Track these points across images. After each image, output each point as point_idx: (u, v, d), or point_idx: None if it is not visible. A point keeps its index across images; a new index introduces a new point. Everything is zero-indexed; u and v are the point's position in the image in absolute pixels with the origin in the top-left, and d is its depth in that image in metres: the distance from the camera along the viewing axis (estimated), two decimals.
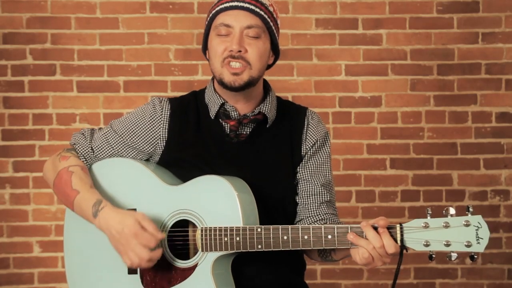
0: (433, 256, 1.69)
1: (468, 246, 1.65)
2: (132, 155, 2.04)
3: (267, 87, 2.07)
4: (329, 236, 1.76)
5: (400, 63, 3.56)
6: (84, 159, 2.03)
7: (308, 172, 2.03)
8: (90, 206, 1.90)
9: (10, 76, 3.53)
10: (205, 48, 2.03)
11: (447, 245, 1.66)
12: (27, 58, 3.53)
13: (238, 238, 1.81)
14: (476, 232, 1.65)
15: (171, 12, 3.56)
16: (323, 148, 2.06)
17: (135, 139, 2.02)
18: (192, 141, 1.99)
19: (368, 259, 1.73)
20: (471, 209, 1.67)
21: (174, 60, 3.56)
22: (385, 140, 3.56)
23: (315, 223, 1.98)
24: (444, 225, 1.67)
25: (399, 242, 1.70)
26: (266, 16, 1.95)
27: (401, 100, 3.56)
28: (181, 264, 1.89)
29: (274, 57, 2.05)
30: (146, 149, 2.03)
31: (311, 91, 3.56)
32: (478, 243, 1.65)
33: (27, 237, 3.52)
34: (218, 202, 1.85)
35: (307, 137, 2.04)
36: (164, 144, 2.01)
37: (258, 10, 1.93)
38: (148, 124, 2.02)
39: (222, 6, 1.94)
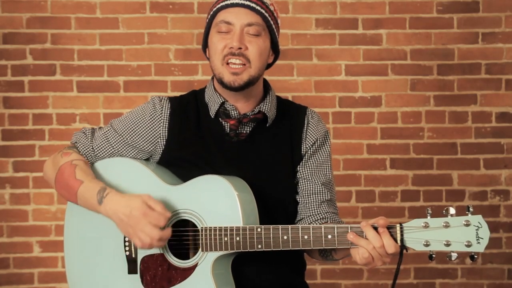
0: (433, 256, 1.69)
1: (468, 246, 1.65)
2: (132, 154, 2.04)
3: (267, 87, 2.07)
4: (329, 236, 1.76)
5: (400, 63, 3.56)
6: (85, 158, 2.04)
7: (308, 171, 2.03)
8: (95, 194, 1.90)
9: (10, 76, 3.53)
10: (205, 46, 2.03)
11: (447, 245, 1.66)
12: (27, 58, 3.53)
13: (238, 238, 1.81)
14: (476, 232, 1.65)
15: (171, 12, 3.56)
16: (323, 147, 2.06)
17: (135, 138, 2.02)
18: (192, 140, 1.99)
19: (368, 259, 1.73)
20: (471, 209, 1.67)
21: (174, 60, 3.56)
22: (385, 140, 3.56)
23: (316, 222, 1.98)
24: (444, 225, 1.67)
25: (399, 242, 1.70)
26: (267, 15, 1.95)
27: (401, 100, 3.57)
28: (181, 264, 1.89)
29: (274, 56, 2.05)
30: (146, 148, 2.03)
31: (311, 91, 3.56)
32: (478, 243, 1.65)
33: (27, 237, 3.52)
34: (218, 202, 1.85)
35: (307, 136, 2.04)
36: (164, 143, 2.01)
37: (259, 8, 1.93)
38: (148, 123, 2.02)
39: (223, 3, 1.94)
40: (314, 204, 2.01)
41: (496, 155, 3.55)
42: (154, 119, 2.02)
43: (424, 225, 1.68)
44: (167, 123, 2.01)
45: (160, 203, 1.83)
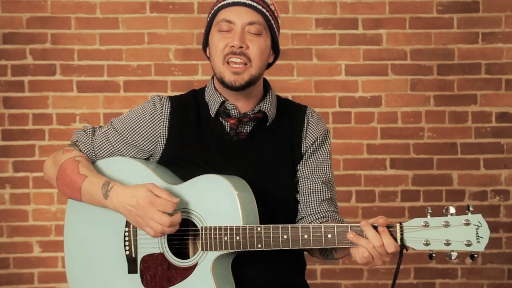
0: (433, 255, 1.69)
1: (468, 245, 1.65)
2: (133, 153, 2.03)
3: (267, 86, 2.07)
4: (329, 235, 1.76)
5: (400, 63, 3.56)
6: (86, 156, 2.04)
7: (309, 170, 2.03)
8: (99, 188, 1.90)
9: (10, 76, 3.53)
10: (205, 45, 2.03)
11: (447, 244, 1.66)
12: (27, 58, 3.53)
13: (238, 238, 1.81)
14: (476, 231, 1.65)
15: (171, 12, 3.56)
16: (323, 146, 2.06)
17: (135, 137, 2.02)
18: (192, 139, 1.99)
19: (368, 258, 1.73)
20: (471, 208, 1.67)
21: (174, 60, 3.56)
22: (385, 140, 3.56)
23: (316, 221, 1.98)
24: (444, 224, 1.66)
25: (399, 241, 1.70)
26: (268, 14, 1.95)
27: (401, 100, 3.57)
28: (181, 263, 1.89)
29: (274, 56, 2.05)
30: (146, 147, 2.02)
31: (311, 91, 3.56)
32: (478, 242, 1.65)
33: (27, 237, 3.52)
34: (218, 201, 1.85)
35: (307, 135, 2.04)
36: (164, 142, 2.01)
37: (260, 7, 1.94)
38: (149, 122, 2.02)
39: (224, 2, 1.94)
40: (315, 203, 2.01)
41: (496, 155, 3.55)
42: (154, 118, 2.02)
43: (424, 224, 1.68)
44: (167, 122, 2.01)
45: (165, 190, 1.83)
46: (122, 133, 2.03)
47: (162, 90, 3.53)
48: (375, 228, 1.71)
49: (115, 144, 2.03)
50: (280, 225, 1.79)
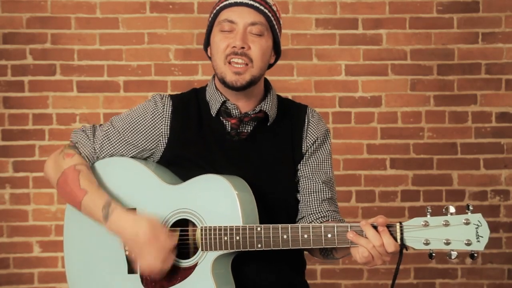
0: (433, 254, 1.69)
1: (468, 244, 1.65)
2: (134, 153, 2.03)
3: (267, 86, 2.07)
4: (329, 235, 1.75)
5: (400, 63, 3.56)
6: (86, 159, 2.02)
7: (309, 170, 2.03)
8: (100, 208, 1.90)
9: (10, 76, 3.53)
10: (207, 45, 2.03)
11: (447, 243, 1.66)
12: (27, 58, 3.53)
13: (238, 237, 1.81)
14: (476, 231, 1.65)
15: (171, 12, 3.56)
16: (324, 146, 2.06)
17: (136, 137, 2.01)
18: (193, 139, 1.98)
19: (368, 258, 1.73)
20: (471, 208, 1.67)
21: (174, 60, 3.56)
22: (385, 140, 3.56)
23: (317, 220, 1.98)
24: (444, 223, 1.66)
25: (398, 240, 1.70)
26: (270, 15, 1.95)
27: (401, 100, 3.57)
28: (181, 263, 1.89)
29: (275, 56, 2.05)
30: (147, 146, 2.02)
31: (311, 91, 3.56)
32: (478, 241, 1.65)
33: (27, 237, 3.52)
34: (217, 201, 1.85)
35: (308, 135, 2.04)
36: (166, 141, 2.01)
37: (262, 8, 1.93)
38: (150, 122, 2.01)
39: (227, 2, 1.94)
40: (315, 202, 2.01)
41: (496, 155, 3.55)
42: (156, 117, 2.01)
43: (423, 223, 1.68)
44: (169, 122, 2.01)
45: (165, 228, 1.84)
46: (123, 133, 2.02)
47: (162, 90, 3.53)
48: (375, 227, 1.71)
49: (115, 144, 2.02)
50: (280, 225, 1.79)
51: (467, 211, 1.67)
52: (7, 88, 3.53)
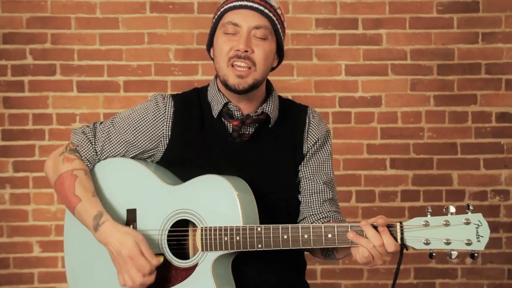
0: (434, 254, 1.69)
1: (469, 244, 1.65)
2: (135, 153, 2.02)
3: (269, 87, 2.06)
4: (329, 235, 1.75)
5: (400, 63, 3.56)
6: (88, 162, 2.02)
7: (310, 171, 2.03)
8: (91, 218, 1.90)
9: (10, 76, 3.53)
10: (210, 45, 2.02)
11: (447, 243, 1.66)
12: (27, 58, 3.53)
13: (238, 238, 1.81)
14: (477, 230, 1.65)
15: (171, 12, 3.56)
16: (325, 147, 2.06)
17: (137, 137, 2.01)
18: (195, 140, 1.98)
19: (368, 258, 1.73)
20: (471, 207, 1.67)
21: (174, 60, 3.56)
22: (385, 140, 3.56)
23: (318, 221, 1.98)
24: (444, 223, 1.66)
25: (399, 240, 1.70)
26: (274, 18, 1.94)
27: (401, 100, 3.57)
28: (181, 263, 1.89)
29: (278, 60, 2.04)
30: (148, 147, 2.01)
31: (311, 91, 3.56)
32: (479, 241, 1.65)
33: (27, 237, 3.52)
34: (218, 202, 1.85)
35: (309, 136, 2.04)
36: (167, 142, 2.00)
37: (267, 11, 1.92)
38: (151, 122, 2.00)
39: (231, 4, 1.93)
40: (316, 203, 2.01)
41: (496, 155, 3.55)
42: (157, 117, 2.00)
43: (424, 223, 1.68)
44: (170, 122, 2.00)
45: (149, 250, 1.84)
46: (124, 134, 2.01)
47: (162, 90, 3.52)
48: (375, 227, 1.71)
49: (116, 145, 2.01)
50: (280, 225, 1.79)
51: (467, 211, 1.67)
52: (7, 88, 3.52)
